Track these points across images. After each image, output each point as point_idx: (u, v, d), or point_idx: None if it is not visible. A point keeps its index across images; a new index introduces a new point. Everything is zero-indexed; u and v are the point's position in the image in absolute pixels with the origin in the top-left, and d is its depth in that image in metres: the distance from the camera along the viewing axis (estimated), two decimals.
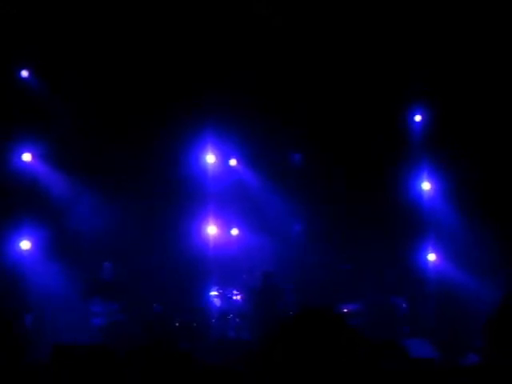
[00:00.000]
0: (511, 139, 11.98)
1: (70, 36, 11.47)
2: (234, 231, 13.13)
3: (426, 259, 12.81)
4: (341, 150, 12.76)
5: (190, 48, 11.85)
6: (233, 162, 13.33)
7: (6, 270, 11.29)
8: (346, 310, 11.80)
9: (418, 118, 13.25)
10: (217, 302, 11.80)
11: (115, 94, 12.08)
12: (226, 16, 11.53)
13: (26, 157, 12.02)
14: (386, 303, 12.02)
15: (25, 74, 11.91)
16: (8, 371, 5.27)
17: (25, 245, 11.66)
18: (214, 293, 11.89)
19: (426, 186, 13.15)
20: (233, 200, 12.94)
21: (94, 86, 11.91)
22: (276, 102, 12.36)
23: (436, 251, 12.81)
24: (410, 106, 13.11)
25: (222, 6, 11.41)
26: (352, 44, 11.93)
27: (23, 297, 11.11)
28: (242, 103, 12.17)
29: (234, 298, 11.81)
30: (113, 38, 11.57)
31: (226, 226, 13.04)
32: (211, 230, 12.84)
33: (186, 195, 12.49)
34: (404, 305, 11.94)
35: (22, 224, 11.57)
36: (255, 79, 12.11)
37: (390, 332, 11.16)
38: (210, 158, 13.08)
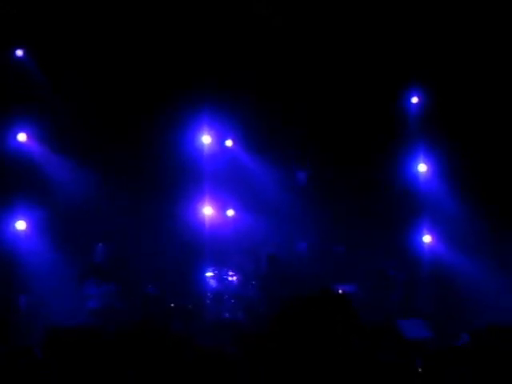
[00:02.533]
0: (508, 123, 11.97)
1: (67, 19, 11.43)
2: (230, 212, 13.11)
3: (422, 241, 12.82)
4: (336, 131, 12.74)
5: (188, 44, 11.85)
6: (229, 143, 13.29)
7: (0, 250, 11.27)
8: (340, 291, 11.82)
9: (414, 99, 13.21)
10: (212, 282, 11.80)
11: (110, 78, 12.03)
12: (225, 12, 11.53)
13: (21, 137, 11.97)
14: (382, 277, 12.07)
15: (19, 53, 11.84)
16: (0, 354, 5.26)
17: (20, 225, 11.62)
18: (209, 274, 11.88)
19: (421, 167, 13.14)
20: (228, 181, 12.91)
21: (89, 69, 11.87)
22: (273, 91, 12.36)
23: (431, 233, 12.82)
24: (406, 88, 13.07)
25: (222, 5, 11.43)
26: (347, 26, 11.93)
27: (17, 278, 11.10)
28: (237, 97, 12.19)
29: (230, 278, 11.81)
30: (112, 27, 11.55)
31: (221, 206, 13.02)
32: (207, 210, 12.82)
33: (181, 176, 12.47)
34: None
35: (17, 204, 11.54)
36: (252, 71, 12.12)
37: (385, 312, 11.20)
38: (206, 139, 13.04)
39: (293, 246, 12.73)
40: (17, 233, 11.61)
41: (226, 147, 13.29)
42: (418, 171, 13.16)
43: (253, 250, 12.40)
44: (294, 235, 12.84)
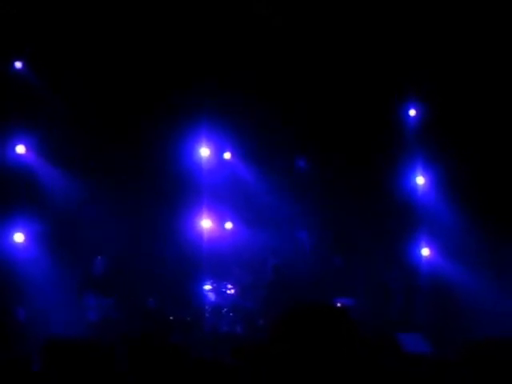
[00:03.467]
0: (506, 133, 12.01)
1: (67, 29, 11.45)
2: (228, 225, 13.11)
3: (420, 253, 12.82)
4: (335, 144, 12.76)
5: (187, 45, 11.88)
6: (227, 156, 13.30)
7: None
8: (339, 305, 11.81)
9: (412, 112, 13.26)
10: (210, 295, 11.78)
11: (110, 87, 12.05)
12: (224, 13, 11.56)
13: (20, 149, 11.97)
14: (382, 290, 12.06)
15: (18, 65, 11.86)
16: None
17: (18, 237, 11.61)
18: (207, 287, 11.86)
19: (419, 180, 13.17)
20: (227, 193, 12.92)
21: (89, 78, 11.87)
22: (271, 96, 12.38)
23: (430, 244, 12.82)
24: (404, 101, 13.11)
25: (223, 5, 11.47)
26: (349, 40, 11.97)
27: (16, 290, 11.07)
28: (237, 98, 12.18)
29: (228, 291, 11.79)
30: (112, 32, 11.57)
31: (219, 219, 13.02)
32: (205, 223, 12.82)
33: (179, 189, 12.47)
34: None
35: (15, 216, 11.53)
36: (252, 75, 12.14)
37: (384, 326, 11.18)
38: (204, 152, 13.06)
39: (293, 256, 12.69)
40: (15, 245, 11.59)
41: (225, 160, 13.31)
42: (416, 183, 13.18)
43: (252, 261, 12.39)
44: (294, 247, 12.83)
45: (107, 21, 11.40)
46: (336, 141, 12.74)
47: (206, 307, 11.62)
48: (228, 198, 12.93)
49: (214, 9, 11.44)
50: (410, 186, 13.13)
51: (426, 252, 12.81)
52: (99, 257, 11.35)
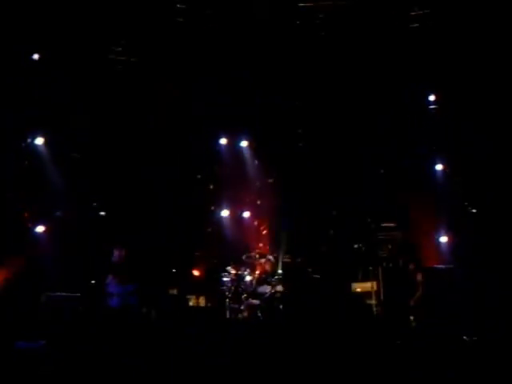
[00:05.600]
0: None
1: (91, 30, 11.64)
2: (246, 213, 13.20)
3: (439, 241, 12.81)
4: (357, 130, 12.83)
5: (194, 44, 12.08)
6: (244, 144, 13.35)
7: (23, 252, 11.41)
8: (359, 290, 11.91)
9: (432, 97, 13.21)
10: (230, 282, 11.82)
11: (127, 86, 12.22)
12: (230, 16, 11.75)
13: (39, 140, 12.06)
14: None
15: (35, 57, 11.95)
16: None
17: (40, 229, 11.77)
18: (227, 273, 11.91)
19: (439, 166, 13.14)
20: (245, 182, 13.02)
21: (108, 80, 12.05)
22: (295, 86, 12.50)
23: (449, 233, 12.80)
24: (423, 86, 13.08)
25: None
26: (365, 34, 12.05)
27: (39, 277, 11.22)
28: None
29: (247, 278, 11.84)
30: (126, 38, 11.76)
31: (237, 208, 13.11)
32: (224, 212, 12.91)
33: (197, 177, 12.60)
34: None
35: (40, 206, 11.71)
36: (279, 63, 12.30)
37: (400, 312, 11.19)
38: (223, 140, 13.13)
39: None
40: (37, 236, 11.74)
41: (243, 148, 13.37)
42: (435, 170, 13.16)
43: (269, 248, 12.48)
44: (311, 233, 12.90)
45: (123, 29, 11.62)
46: (357, 128, 12.82)
47: (226, 293, 11.67)
48: (246, 186, 13.02)
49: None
50: (430, 172, 13.12)
51: (444, 239, 12.79)
52: (118, 246, 11.45)
